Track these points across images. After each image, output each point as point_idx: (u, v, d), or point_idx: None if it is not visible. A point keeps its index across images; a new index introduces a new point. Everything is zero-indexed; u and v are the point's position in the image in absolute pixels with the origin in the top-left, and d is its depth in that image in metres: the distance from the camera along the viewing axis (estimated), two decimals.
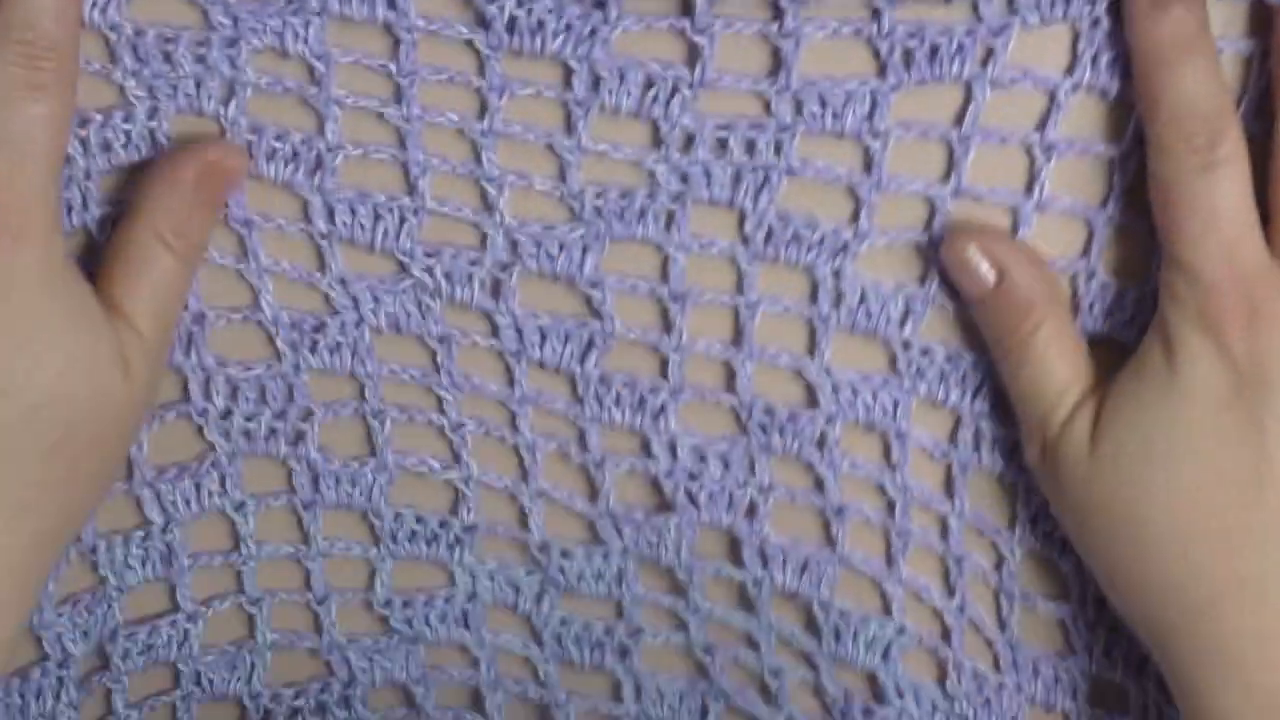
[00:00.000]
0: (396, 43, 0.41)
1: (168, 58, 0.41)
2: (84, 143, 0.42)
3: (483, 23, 0.41)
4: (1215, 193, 0.40)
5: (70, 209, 0.43)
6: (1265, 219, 0.41)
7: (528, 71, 0.41)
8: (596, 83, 0.41)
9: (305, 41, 0.41)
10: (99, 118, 0.42)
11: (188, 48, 0.41)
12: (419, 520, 0.47)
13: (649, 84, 0.41)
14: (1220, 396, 0.40)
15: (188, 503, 0.46)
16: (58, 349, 0.41)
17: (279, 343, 0.45)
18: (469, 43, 0.41)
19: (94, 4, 0.41)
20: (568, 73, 0.41)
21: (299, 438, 0.46)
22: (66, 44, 0.41)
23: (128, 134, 0.43)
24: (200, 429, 0.46)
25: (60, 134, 0.41)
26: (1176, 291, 0.41)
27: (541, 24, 0.40)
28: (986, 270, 0.42)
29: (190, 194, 0.43)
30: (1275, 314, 0.40)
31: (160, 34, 0.41)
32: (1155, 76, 0.40)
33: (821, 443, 0.45)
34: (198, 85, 0.42)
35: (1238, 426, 0.40)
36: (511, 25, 0.41)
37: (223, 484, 0.46)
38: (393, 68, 0.41)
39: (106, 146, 0.43)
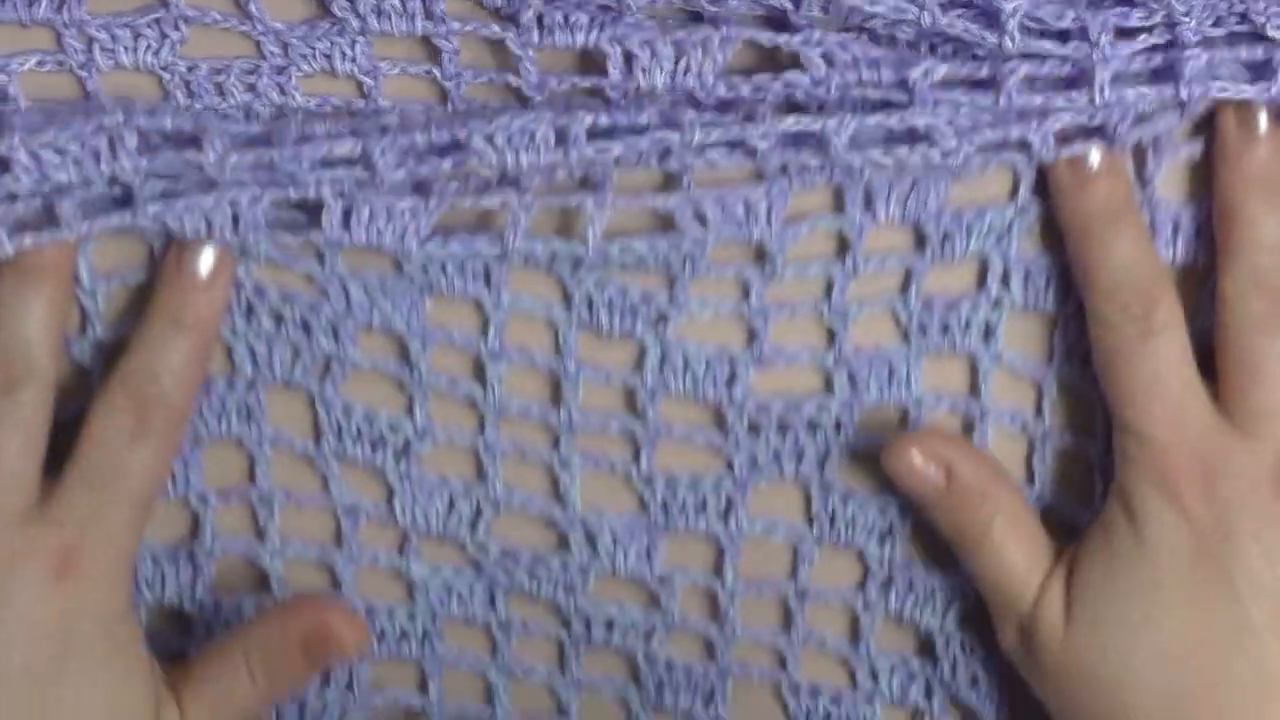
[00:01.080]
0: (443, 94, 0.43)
1: (219, 89, 0.43)
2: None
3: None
4: (1156, 359, 0.41)
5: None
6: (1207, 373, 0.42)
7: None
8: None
9: (353, 60, 0.43)
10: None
11: (238, 77, 0.43)
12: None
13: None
14: (1187, 555, 0.41)
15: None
16: (93, 693, 0.41)
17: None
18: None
19: (147, 47, 0.42)
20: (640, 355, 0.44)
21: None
22: (180, 403, 0.42)
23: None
24: None
25: (153, 483, 0.42)
26: (1130, 455, 0.42)
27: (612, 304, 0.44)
28: (934, 472, 0.43)
29: (294, 648, 0.44)
30: (1229, 471, 0.41)
31: (212, 66, 0.43)
32: (1087, 250, 0.41)
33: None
34: (246, 114, 0.43)
35: (1209, 582, 0.41)
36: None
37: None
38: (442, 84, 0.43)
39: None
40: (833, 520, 0.46)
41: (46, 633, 0.40)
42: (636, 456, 0.45)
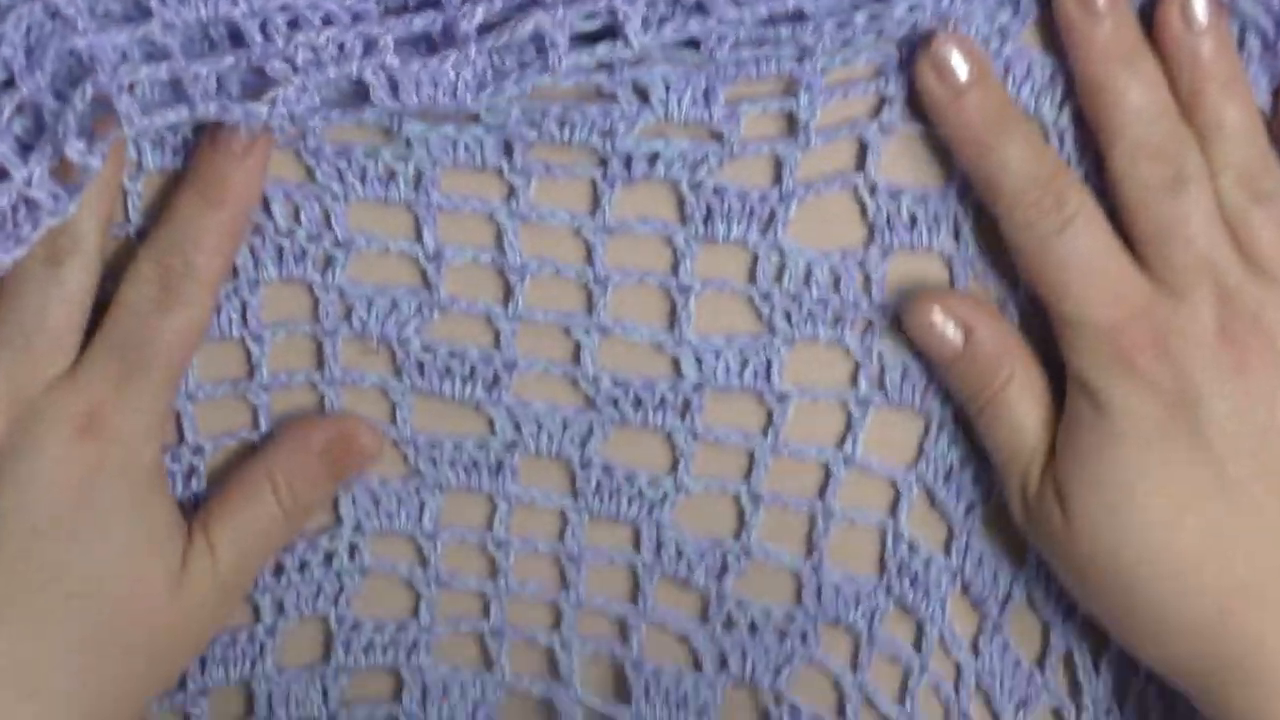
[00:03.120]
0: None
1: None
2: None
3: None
4: (1080, 242, 0.41)
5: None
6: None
7: None
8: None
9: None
10: None
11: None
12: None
13: None
14: (1157, 426, 0.41)
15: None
16: (109, 545, 0.42)
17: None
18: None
19: None
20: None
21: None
22: (210, 276, 0.42)
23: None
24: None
25: (181, 351, 0.43)
26: (1079, 346, 0.41)
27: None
28: (954, 331, 0.43)
29: (315, 459, 0.45)
30: (1176, 331, 0.41)
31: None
32: (982, 161, 0.41)
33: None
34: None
35: (1184, 447, 0.41)
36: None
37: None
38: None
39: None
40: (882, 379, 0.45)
41: (69, 486, 0.41)
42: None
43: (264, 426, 0.46)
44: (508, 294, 0.45)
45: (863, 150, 0.43)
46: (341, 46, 0.41)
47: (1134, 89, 0.41)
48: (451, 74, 0.41)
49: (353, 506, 0.47)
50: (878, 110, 0.43)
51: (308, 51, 0.41)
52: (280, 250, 0.45)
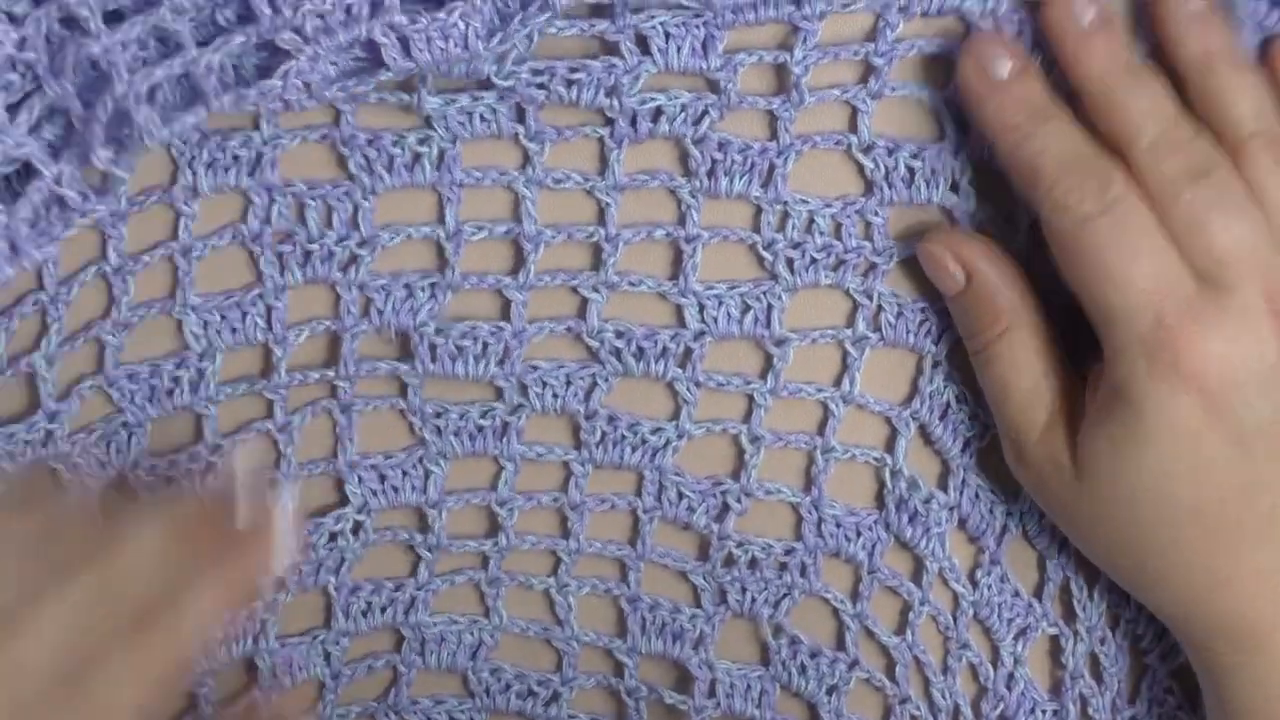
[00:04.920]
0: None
1: None
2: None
3: None
4: (1125, 225, 0.40)
5: None
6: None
7: None
8: None
9: None
10: None
11: None
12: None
13: None
14: (1193, 424, 0.40)
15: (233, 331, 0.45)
16: None
17: None
18: None
19: None
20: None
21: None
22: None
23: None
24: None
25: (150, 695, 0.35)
26: (1118, 338, 0.41)
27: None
28: (955, 269, 0.43)
29: None
30: (1219, 321, 0.40)
31: None
32: (1021, 148, 0.41)
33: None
34: None
35: (1220, 445, 0.40)
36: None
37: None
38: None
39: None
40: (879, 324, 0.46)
41: None
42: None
43: (279, 419, 0.45)
44: (519, 263, 0.44)
45: (854, 113, 0.43)
46: (349, 10, 0.40)
47: (1138, 93, 0.41)
48: (461, 25, 0.41)
49: (359, 486, 0.46)
50: (865, 77, 0.43)
51: (315, 19, 0.40)
52: (308, 255, 0.44)
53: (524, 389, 0.46)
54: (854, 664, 0.48)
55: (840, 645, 0.48)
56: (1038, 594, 0.48)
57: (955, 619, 0.48)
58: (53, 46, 0.39)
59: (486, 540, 0.48)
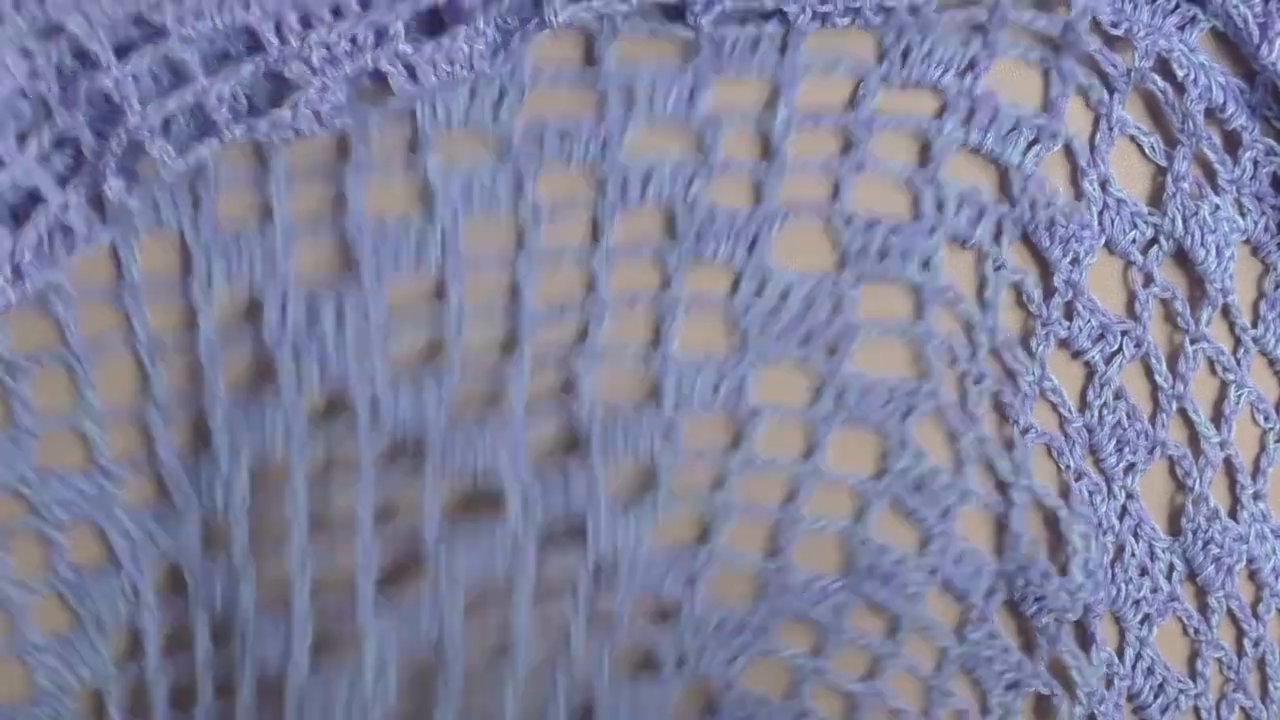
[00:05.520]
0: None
1: None
2: None
3: None
4: None
5: None
6: None
7: None
8: None
9: None
10: None
11: None
12: None
13: None
14: None
15: None
16: None
17: None
18: None
19: None
20: None
21: None
22: None
23: None
24: None
25: None
26: None
27: None
28: None
29: None
30: None
31: None
32: None
33: None
34: None
35: None
36: None
37: None
38: None
39: None
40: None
41: None
42: None
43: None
44: (513, 343, 0.44)
45: (836, 185, 0.44)
46: (354, 40, 0.41)
47: None
48: (465, 48, 0.41)
49: None
50: (847, 149, 0.43)
51: (322, 50, 0.40)
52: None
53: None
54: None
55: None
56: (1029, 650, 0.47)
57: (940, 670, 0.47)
58: (64, 78, 0.39)
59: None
